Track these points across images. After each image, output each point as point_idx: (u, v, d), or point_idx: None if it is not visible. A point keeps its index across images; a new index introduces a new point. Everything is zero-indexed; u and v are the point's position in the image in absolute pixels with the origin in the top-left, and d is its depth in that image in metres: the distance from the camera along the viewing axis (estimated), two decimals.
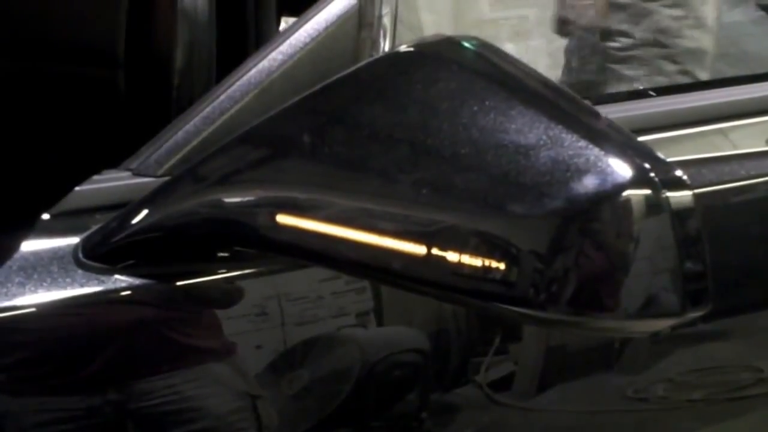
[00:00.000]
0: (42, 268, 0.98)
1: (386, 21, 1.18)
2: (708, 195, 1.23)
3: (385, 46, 1.16)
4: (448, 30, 1.48)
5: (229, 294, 1.03)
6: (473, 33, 1.49)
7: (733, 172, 1.27)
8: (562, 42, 1.53)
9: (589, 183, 0.80)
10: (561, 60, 1.53)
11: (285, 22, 2.29)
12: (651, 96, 1.35)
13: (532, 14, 1.56)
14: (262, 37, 2.15)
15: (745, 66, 1.69)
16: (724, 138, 1.33)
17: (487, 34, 1.50)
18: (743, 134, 1.34)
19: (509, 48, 1.50)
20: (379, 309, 1.09)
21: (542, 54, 1.54)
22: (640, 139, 1.20)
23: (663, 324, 0.89)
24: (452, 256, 0.83)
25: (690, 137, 1.29)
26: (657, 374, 1.23)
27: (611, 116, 1.23)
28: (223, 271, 1.01)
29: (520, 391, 1.16)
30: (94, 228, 1.01)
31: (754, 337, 1.32)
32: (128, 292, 0.98)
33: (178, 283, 1.00)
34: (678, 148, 1.27)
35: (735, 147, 1.32)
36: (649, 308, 0.82)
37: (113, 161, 1.13)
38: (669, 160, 1.20)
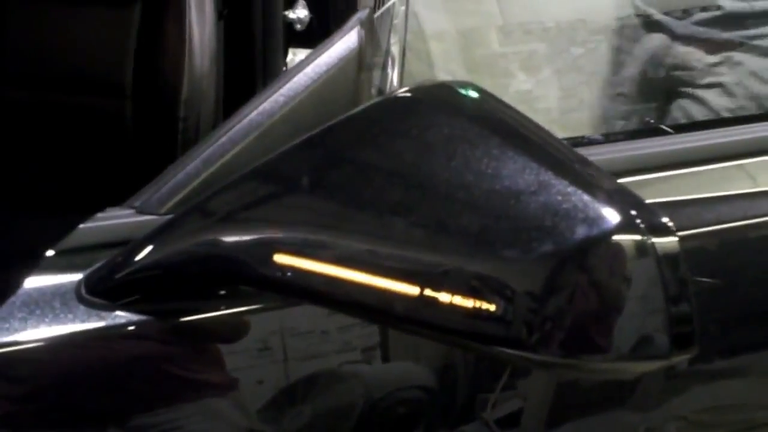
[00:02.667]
0: (45, 304, 1.02)
1: (395, 50, 1.23)
2: (725, 232, 1.27)
3: (394, 76, 1.21)
4: (456, 62, 1.52)
5: (232, 329, 1.07)
6: (482, 66, 1.54)
7: (752, 209, 1.31)
8: (571, 77, 1.56)
9: (577, 228, 0.85)
10: (571, 94, 1.56)
11: (293, 54, 2.32)
12: (669, 133, 1.40)
13: (542, 48, 1.59)
14: (270, 69, 2.18)
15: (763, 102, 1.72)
16: (743, 175, 1.37)
17: (497, 68, 1.55)
18: (761, 172, 1.38)
19: (519, 82, 1.54)
20: (384, 344, 1.12)
21: (552, 88, 1.57)
22: (659, 176, 1.26)
23: (653, 366, 0.93)
24: (445, 297, 0.87)
25: (707, 174, 1.33)
26: (670, 412, 1.26)
27: (629, 153, 1.28)
28: (226, 306, 1.05)
29: (529, 429, 1.19)
30: (97, 265, 1.05)
31: None
32: (131, 328, 1.02)
33: (181, 319, 1.04)
34: (694, 185, 1.31)
35: (756, 185, 1.37)
36: (639, 350, 0.87)
37: (120, 190, 1.17)
38: (683, 198, 1.25)
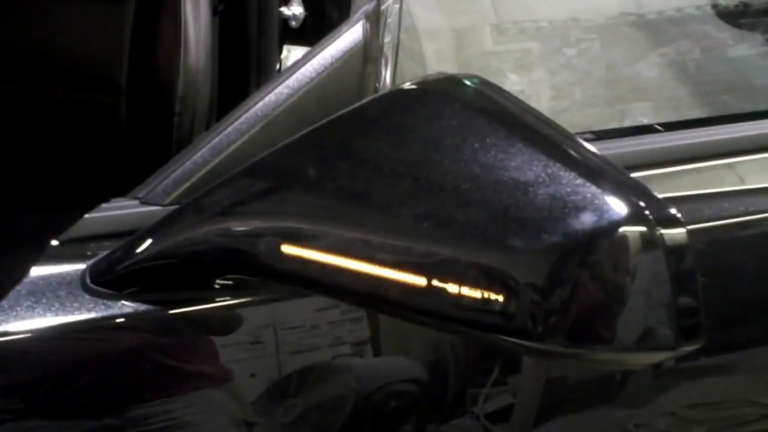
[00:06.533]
0: (51, 293, 1.02)
1: (388, 50, 1.23)
2: (712, 230, 1.26)
3: (387, 75, 1.21)
4: (450, 61, 1.51)
5: (227, 322, 1.07)
6: (476, 65, 1.54)
7: (737, 207, 1.31)
8: (566, 75, 1.56)
9: (585, 219, 0.85)
10: (565, 93, 1.56)
11: (287, 51, 2.32)
12: (658, 131, 1.40)
13: (536, 47, 1.58)
14: (264, 65, 2.19)
15: (752, 100, 1.72)
16: (732, 173, 1.37)
17: (490, 66, 1.55)
18: (751, 170, 1.38)
19: (512, 80, 1.54)
20: (375, 338, 1.12)
21: (546, 87, 1.56)
22: (648, 173, 1.26)
23: (658, 357, 0.94)
24: (452, 288, 0.87)
25: (697, 172, 1.33)
26: (659, 408, 1.26)
27: (619, 150, 1.29)
28: (221, 299, 1.05)
29: (519, 423, 1.18)
30: (102, 254, 1.05)
31: (758, 373, 1.35)
32: (133, 319, 1.02)
33: (179, 310, 1.04)
34: (684, 183, 1.31)
35: (743, 182, 1.37)
36: (644, 341, 0.87)
37: (113, 185, 1.17)
38: (674, 195, 1.25)
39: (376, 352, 1.13)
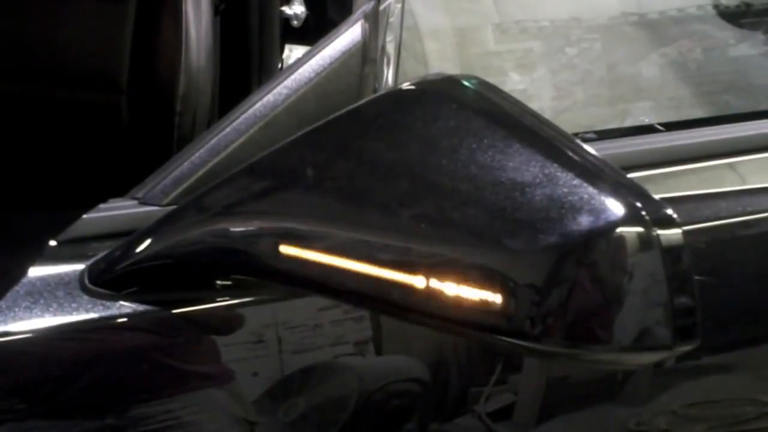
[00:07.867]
0: (49, 294, 1.02)
1: (390, 49, 1.23)
2: (712, 230, 1.26)
3: (389, 74, 1.21)
4: (452, 60, 1.52)
5: (228, 321, 1.07)
6: (478, 64, 1.54)
7: (738, 207, 1.31)
8: (567, 74, 1.56)
9: (582, 220, 0.85)
10: (566, 93, 1.56)
11: (289, 50, 2.33)
12: (660, 131, 1.40)
13: (537, 47, 1.59)
14: (266, 65, 2.19)
15: (753, 99, 1.72)
16: (734, 173, 1.37)
17: (492, 66, 1.55)
18: (752, 170, 1.38)
19: (514, 80, 1.54)
20: (377, 338, 1.12)
21: (547, 86, 1.56)
22: (649, 173, 1.26)
23: (655, 357, 0.94)
24: (450, 289, 0.87)
25: (698, 172, 1.33)
26: (659, 406, 1.26)
27: (620, 150, 1.29)
28: (223, 298, 1.05)
29: (520, 422, 1.18)
30: (100, 255, 1.05)
31: (758, 371, 1.35)
32: (132, 319, 1.02)
33: (179, 310, 1.04)
34: (686, 183, 1.31)
35: (744, 182, 1.37)
36: (641, 341, 0.87)
37: (114, 184, 1.17)
38: (675, 195, 1.25)
39: (378, 351, 1.14)
